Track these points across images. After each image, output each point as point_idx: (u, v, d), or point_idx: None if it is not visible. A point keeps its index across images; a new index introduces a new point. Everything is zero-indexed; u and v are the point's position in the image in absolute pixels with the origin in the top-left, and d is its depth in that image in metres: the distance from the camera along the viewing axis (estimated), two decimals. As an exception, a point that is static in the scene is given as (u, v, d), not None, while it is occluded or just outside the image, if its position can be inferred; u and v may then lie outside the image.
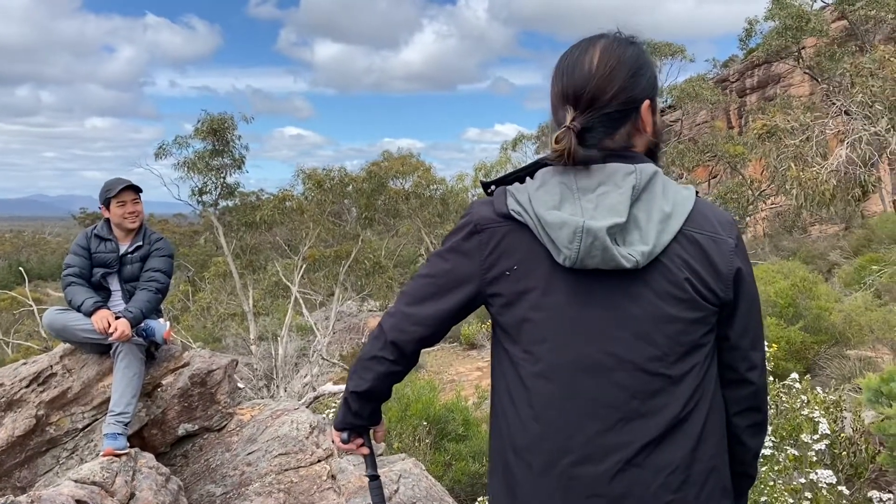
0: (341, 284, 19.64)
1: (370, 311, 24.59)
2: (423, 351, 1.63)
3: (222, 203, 18.84)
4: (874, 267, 16.38)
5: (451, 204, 29.06)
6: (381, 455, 5.03)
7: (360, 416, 1.69)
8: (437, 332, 1.56)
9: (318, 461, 4.21)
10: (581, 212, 1.37)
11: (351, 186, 20.87)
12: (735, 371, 1.52)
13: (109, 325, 3.87)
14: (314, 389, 11.83)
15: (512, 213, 1.44)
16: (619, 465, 1.36)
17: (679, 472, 1.38)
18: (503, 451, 1.48)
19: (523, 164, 1.58)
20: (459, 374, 15.92)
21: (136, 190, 4.26)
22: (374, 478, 1.83)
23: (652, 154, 1.53)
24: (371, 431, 1.79)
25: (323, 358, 13.00)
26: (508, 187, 1.49)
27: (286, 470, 4.09)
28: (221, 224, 18.37)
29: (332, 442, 1.80)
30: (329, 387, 11.70)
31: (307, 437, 4.36)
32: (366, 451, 1.79)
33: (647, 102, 1.49)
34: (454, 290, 1.50)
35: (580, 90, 1.45)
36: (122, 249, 4.22)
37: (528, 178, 1.50)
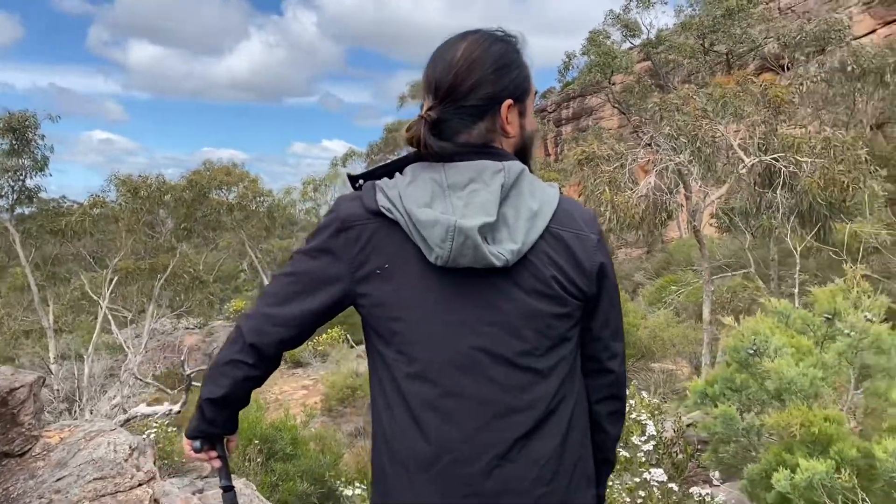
0: (156, 300, 18.46)
1: (187, 328, 23.33)
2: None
3: (20, 209, 17.13)
4: (673, 287, 18.03)
5: (279, 218, 28.38)
6: (207, 476, 4.72)
7: (215, 423, 1.58)
8: (301, 334, 1.49)
9: (139, 485, 3.89)
10: (452, 209, 1.36)
11: (169, 195, 19.73)
12: (597, 361, 1.56)
13: None
14: (125, 412, 10.97)
15: (382, 209, 1.40)
16: (495, 461, 1.36)
17: (551, 464, 1.40)
18: (381, 457, 1.44)
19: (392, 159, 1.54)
20: (284, 392, 15.46)
21: None
22: (229, 489, 1.70)
23: (522, 156, 1.53)
24: (225, 440, 1.67)
25: (136, 377, 12.09)
26: (377, 182, 1.45)
27: (102, 496, 3.73)
28: (19, 231, 16.69)
29: (185, 450, 1.64)
30: (142, 408, 10.88)
31: (126, 460, 4.01)
32: (218, 462, 1.66)
33: (508, 101, 1.47)
34: (320, 289, 1.45)
35: (441, 81, 1.45)
36: None
37: (397, 174, 1.47)
